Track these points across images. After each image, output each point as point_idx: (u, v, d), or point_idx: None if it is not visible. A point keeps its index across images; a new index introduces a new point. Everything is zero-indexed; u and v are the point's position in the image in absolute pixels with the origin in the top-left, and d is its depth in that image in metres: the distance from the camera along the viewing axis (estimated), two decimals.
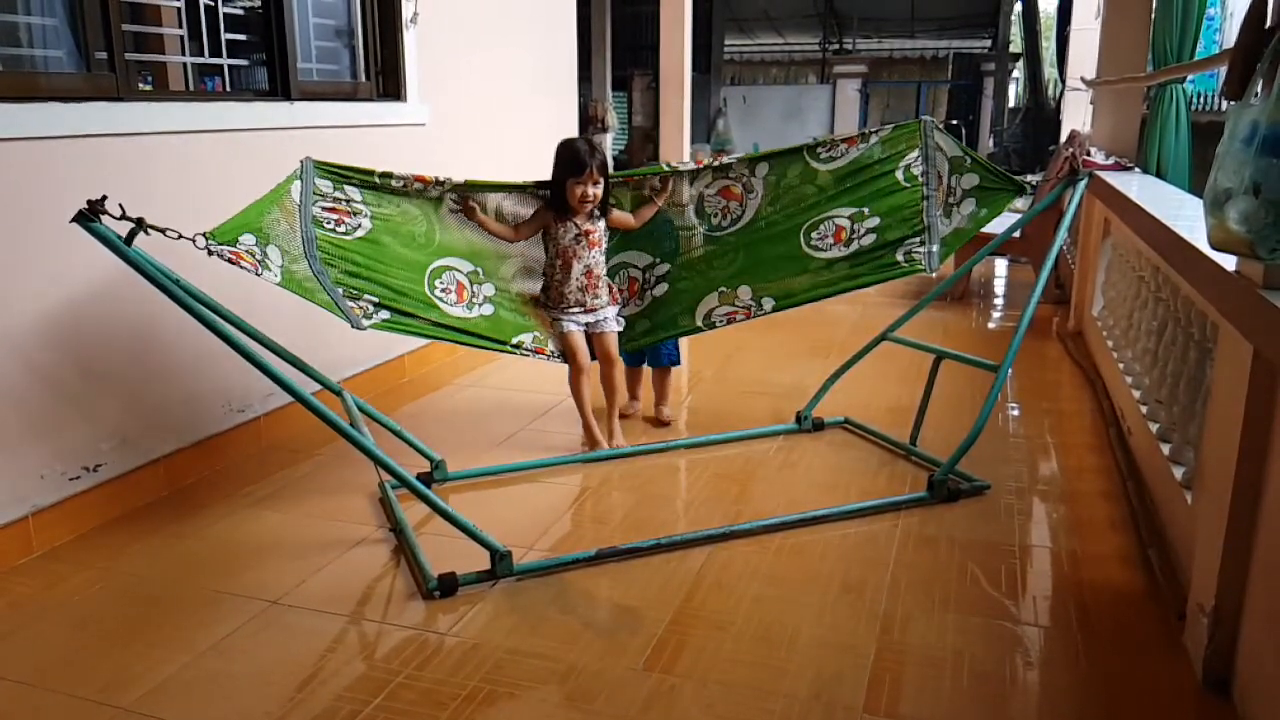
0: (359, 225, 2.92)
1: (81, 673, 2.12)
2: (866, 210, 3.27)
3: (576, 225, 3.26)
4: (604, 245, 3.35)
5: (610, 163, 3.39)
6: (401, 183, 3.05)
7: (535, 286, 3.40)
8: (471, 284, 3.16)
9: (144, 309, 2.91)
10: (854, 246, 3.23)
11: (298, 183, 2.79)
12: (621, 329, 3.45)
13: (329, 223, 2.83)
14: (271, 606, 2.38)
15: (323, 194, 2.86)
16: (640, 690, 2.04)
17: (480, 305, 3.16)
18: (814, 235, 3.29)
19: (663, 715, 1.96)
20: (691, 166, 3.42)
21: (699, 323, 3.39)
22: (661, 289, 3.47)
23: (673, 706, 1.99)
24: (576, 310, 3.32)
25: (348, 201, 2.91)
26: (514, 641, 2.23)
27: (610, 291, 3.41)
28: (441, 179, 3.15)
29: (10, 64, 2.80)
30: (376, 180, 3.00)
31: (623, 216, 3.41)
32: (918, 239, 3.20)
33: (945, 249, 3.23)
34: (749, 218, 3.41)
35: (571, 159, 3.20)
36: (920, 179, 3.25)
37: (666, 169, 3.41)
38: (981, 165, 3.26)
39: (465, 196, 3.16)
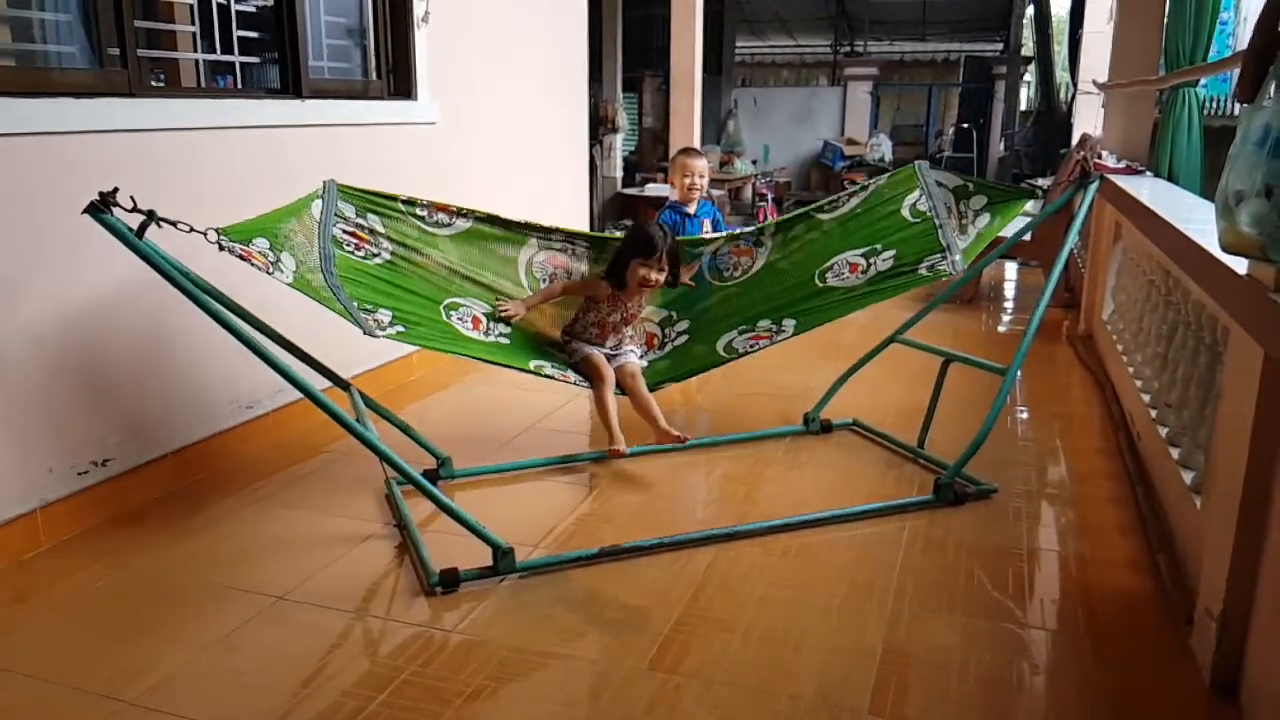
0: (378, 253, 2.93)
1: (88, 666, 2.12)
2: (879, 246, 3.26)
3: (625, 308, 3.31)
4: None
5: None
6: (425, 210, 3.06)
7: (555, 333, 3.39)
8: (487, 320, 3.14)
9: (154, 304, 2.92)
10: (872, 273, 3.21)
11: (319, 201, 2.79)
12: (644, 364, 3.41)
13: (349, 245, 2.84)
14: (278, 602, 2.39)
15: (345, 217, 2.86)
16: (645, 690, 2.04)
17: (496, 336, 3.14)
18: (829, 274, 3.29)
19: (667, 715, 1.96)
20: (718, 234, 3.55)
21: (721, 353, 3.36)
22: (682, 340, 3.50)
23: (677, 706, 1.98)
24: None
25: (370, 230, 2.92)
26: (519, 639, 2.23)
27: (633, 340, 3.43)
28: (465, 209, 3.16)
29: (23, 59, 2.82)
30: (400, 207, 3.01)
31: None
32: (939, 255, 3.17)
33: (966, 257, 3.20)
34: (760, 265, 3.48)
35: (645, 240, 3.22)
36: (928, 212, 3.25)
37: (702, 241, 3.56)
38: (986, 185, 3.28)
39: (503, 311, 3.17)
